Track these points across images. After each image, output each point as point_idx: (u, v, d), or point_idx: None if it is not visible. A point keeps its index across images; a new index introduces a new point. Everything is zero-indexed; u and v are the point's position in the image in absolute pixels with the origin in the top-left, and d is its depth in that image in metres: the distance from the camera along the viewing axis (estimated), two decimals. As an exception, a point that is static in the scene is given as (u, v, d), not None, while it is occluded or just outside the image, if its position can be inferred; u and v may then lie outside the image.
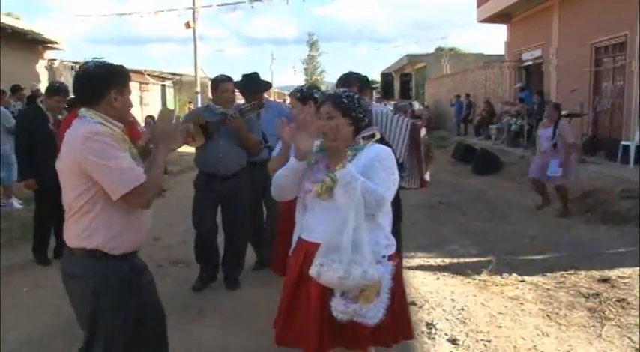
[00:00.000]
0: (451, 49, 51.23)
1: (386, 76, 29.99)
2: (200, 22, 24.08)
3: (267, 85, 5.25)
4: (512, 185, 10.65)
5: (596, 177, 8.88)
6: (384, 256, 2.40)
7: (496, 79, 18.76)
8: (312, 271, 2.32)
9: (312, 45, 70.46)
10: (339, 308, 2.33)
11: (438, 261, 5.50)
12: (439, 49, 49.06)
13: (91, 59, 2.38)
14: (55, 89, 5.57)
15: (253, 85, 5.01)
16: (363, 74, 4.29)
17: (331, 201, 2.38)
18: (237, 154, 4.52)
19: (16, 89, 10.65)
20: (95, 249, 2.27)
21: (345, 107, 2.46)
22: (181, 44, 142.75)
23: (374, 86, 6.84)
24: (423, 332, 3.83)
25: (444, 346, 3.65)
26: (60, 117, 5.54)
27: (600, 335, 3.77)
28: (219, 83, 4.52)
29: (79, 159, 2.18)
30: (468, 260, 5.56)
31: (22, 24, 14.11)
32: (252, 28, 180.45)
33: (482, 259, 5.54)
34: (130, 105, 2.43)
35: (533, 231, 6.80)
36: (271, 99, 9.57)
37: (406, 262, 5.35)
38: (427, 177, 4.26)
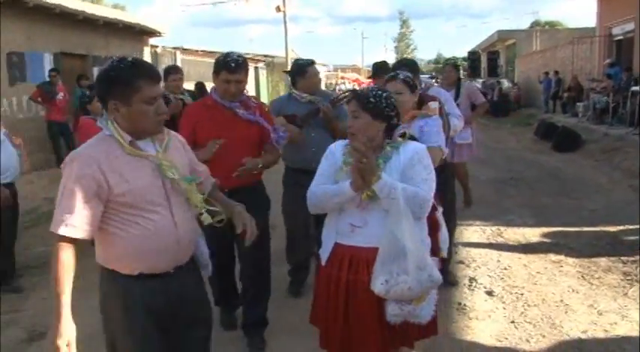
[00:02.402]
0: (547, 23, 49.17)
1: (472, 55, 29.78)
2: (292, 3, 25.03)
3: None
4: (590, 162, 10.70)
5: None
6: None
7: (585, 54, 18.29)
8: (379, 289, 2.24)
9: (404, 23, 70.21)
10: (394, 312, 2.30)
11: (494, 229, 6.01)
12: (535, 24, 47.33)
13: (116, 57, 2.06)
14: (167, 70, 5.46)
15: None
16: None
17: (375, 202, 2.32)
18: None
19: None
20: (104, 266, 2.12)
21: (374, 107, 2.35)
22: (275, 25, 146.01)
23: (458, 64, 7.16)
24: (464, 285, 4.46)
25: (481, 296, 4.26)
26: (182, 97, 5.34)
27: (626, 294, 4.22)
28: (308, 68, 4.11)
29: None
30: (522, 229, 6.02)
31: (129, 16, 15.59)
32: (344, 6, 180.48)
33: (536, 228, 6.00)
34: (156, 116, 2.03)
35: (596, 205, 7.08)
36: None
37: (464, 229, 5.96)
38: None
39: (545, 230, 5.92)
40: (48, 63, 11.26)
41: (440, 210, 3.08)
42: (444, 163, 4.02)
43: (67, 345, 1.93)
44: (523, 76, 27.42)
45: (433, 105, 3.87)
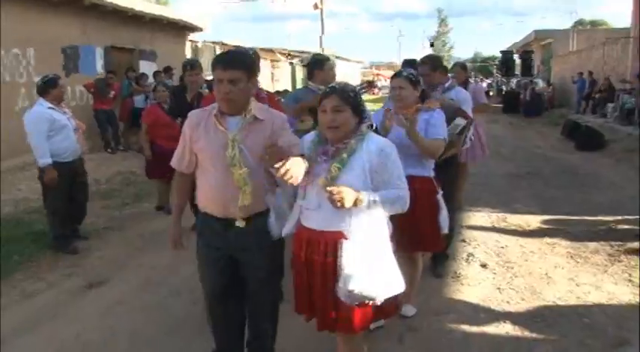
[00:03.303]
0: (591, 23, 48.45)
1: (505, 54, 29.73)
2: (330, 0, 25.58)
3: None
4: (609, 161, 11.00)
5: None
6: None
7: (618, 55, 18.39)
8: (344, 297, 2.44)
9: (442, 21, 70.10)
10: (345, 293, 2.45)
11: (500, 215, 6.53)
12: (578, 23, 46.77)
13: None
14: (184, 65, 5.72)
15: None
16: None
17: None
18: None
19: (167, 69, 12.89)
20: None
21: (353, 101, 2.49)
22: (314, 21, 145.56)
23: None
24: (462, 258, 5.05)
25: (475, 268, 4.84)
26: (201, 90, 5.52)
27: (606, 271, 4.73)
28: (326, 62, 4.51)
29: None
30: (526, 216, 6.52)
31: (172, 12, 16.46)
32: (383, 3, 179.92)
33: (539, 216, 6.49)
34: (218, 94, 2.60)
35: (604, 199, 7.49)
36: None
37: (472, 214, 6.51)
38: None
39: (547, 218, 6.42)
40: (99, 56, 12.20)
41: (440, 192, 3.61)
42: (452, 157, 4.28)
43: (173, 241, 2.92)
44: (558, 76, 27.38)
45: (459, 121, 4.05)
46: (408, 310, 3.85)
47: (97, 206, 7.50)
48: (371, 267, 2.44)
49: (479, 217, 6.45)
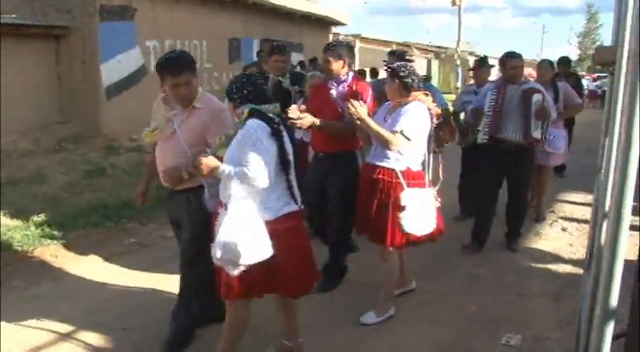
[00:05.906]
0: None
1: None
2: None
3: None
4: None
5: None
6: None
7: None
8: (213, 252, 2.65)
9: (591, 17, 66.12)
10: (216, 257, 2.64)
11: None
12: None
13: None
14: (270, 50, 5.43)
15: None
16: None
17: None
18: None
19: (313, 60, 14.61)
20: None
21: (227, 91, 2.80)
22: (454, 15, 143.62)
23: (552, 62, 7.05)
24: (547, 223, 6.04)
25: (556, 230, 5.84)
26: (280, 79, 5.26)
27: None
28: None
29: None
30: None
31: (318, 8, 18.23)
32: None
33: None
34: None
35: None
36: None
37: (568, 193, 7.39)
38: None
39: (641, 202, 7.08)
40: (256, 47, 14.21)
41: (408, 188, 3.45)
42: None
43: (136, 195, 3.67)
44: None
45: (536, 97, 4.61)
46: (368, 317, 3.65)
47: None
48: (240, 234, 2.57)
49: (575, 196, 7.28)
